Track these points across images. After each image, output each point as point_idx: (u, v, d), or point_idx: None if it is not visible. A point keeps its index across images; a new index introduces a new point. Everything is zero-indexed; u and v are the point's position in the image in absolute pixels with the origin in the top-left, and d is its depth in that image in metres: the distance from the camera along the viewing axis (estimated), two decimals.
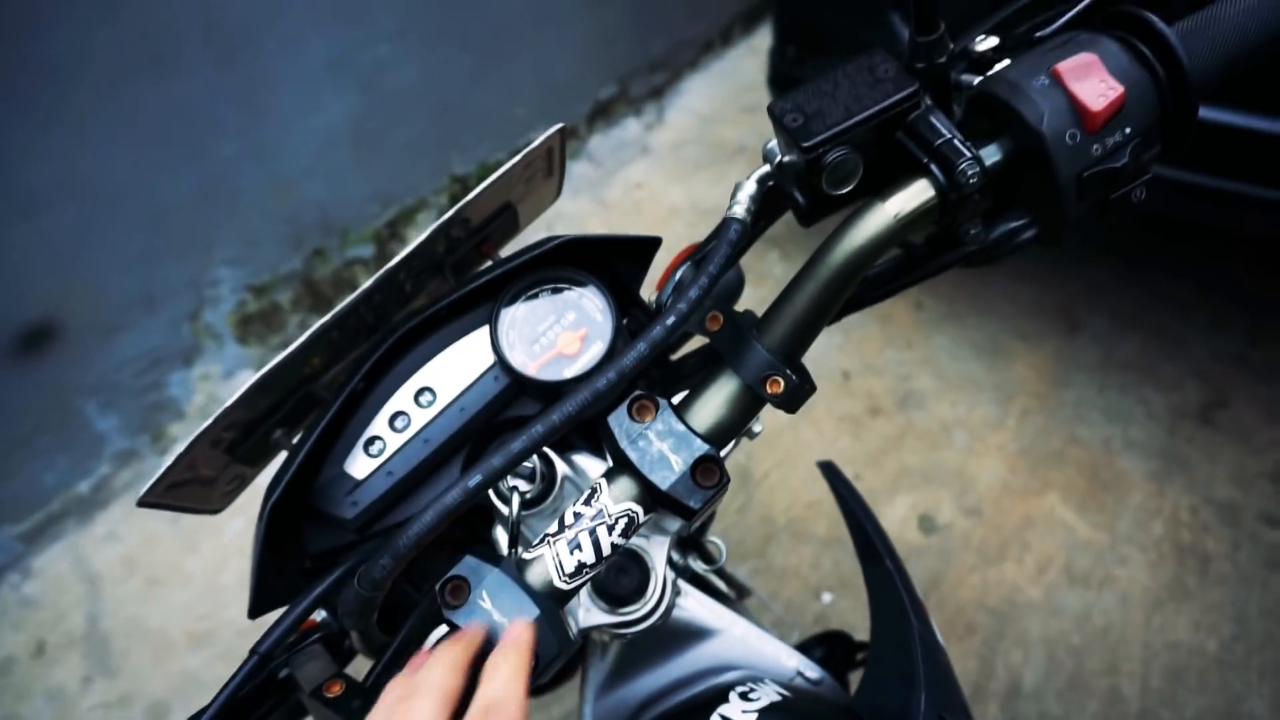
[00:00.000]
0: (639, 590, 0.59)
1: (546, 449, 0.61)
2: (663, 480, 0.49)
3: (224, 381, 2.34)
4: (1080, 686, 1.71)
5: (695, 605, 0.67)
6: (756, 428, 0.63)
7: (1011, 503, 1.96)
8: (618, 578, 0.59)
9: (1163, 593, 1.81)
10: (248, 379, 0.55)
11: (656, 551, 0.61)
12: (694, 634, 0.67)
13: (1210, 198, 1.69)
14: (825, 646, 0.85)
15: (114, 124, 1.87)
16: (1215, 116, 1.59)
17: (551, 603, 0.48)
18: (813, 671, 0.68)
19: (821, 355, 2.28)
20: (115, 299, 2.06)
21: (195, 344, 2.25)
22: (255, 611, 0.54)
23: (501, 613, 0.46)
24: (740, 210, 0.52)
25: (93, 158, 1.87)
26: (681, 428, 0.50)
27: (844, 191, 0.49)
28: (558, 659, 0.46)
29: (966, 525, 1.93)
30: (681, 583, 0.67)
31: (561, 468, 0.61)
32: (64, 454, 2.11)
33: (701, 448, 0.50)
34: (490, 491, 0.60)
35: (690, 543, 0.83)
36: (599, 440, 0.66)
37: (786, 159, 0.51)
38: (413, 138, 2.47)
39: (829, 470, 0.92)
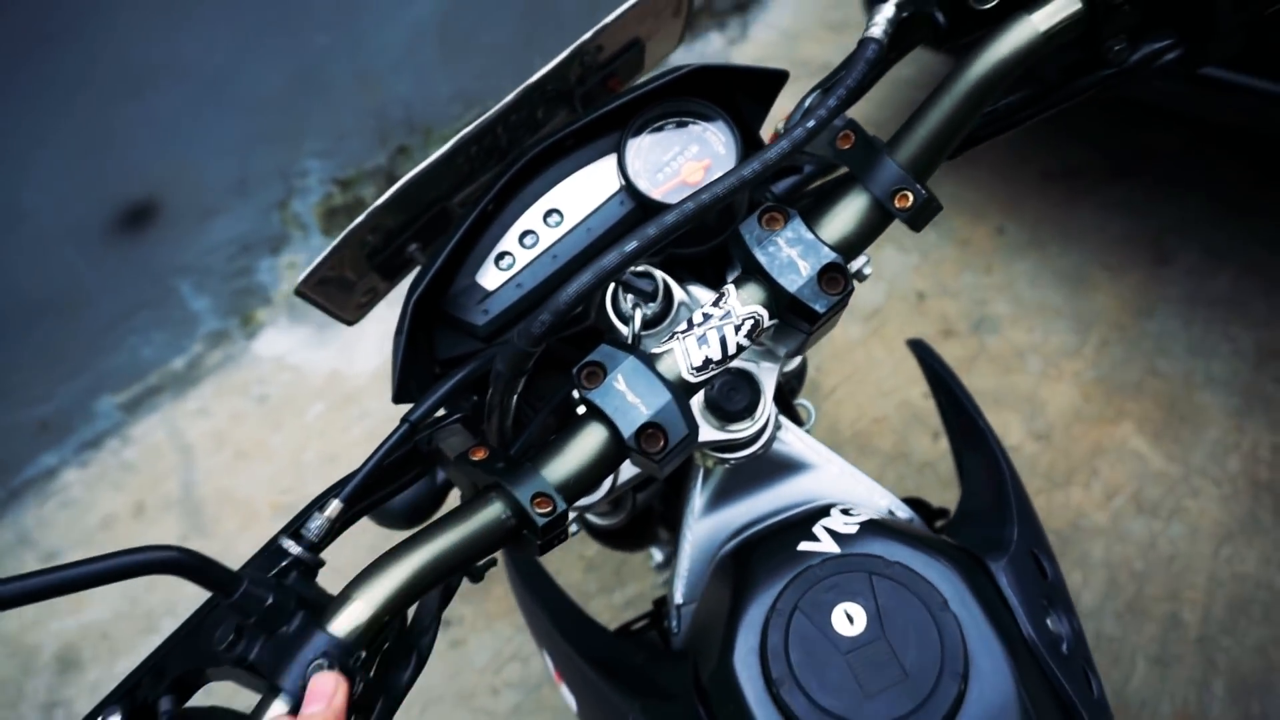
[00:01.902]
0: (749, 408, 0.62)
1: (666, 277, 0.63)
2: (790, 284, 0.51)
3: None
4: (1139, 610, 1.71)
5: (794, 440, 0.70)
6: (867, 269, 0.65)
7: (1083, 429, 1.95)
8: (730, 395, 0.62)
9: (1234, 526, 1.79)
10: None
11: (766, 376, 0.63)
12: (792, 466, 0.70)
13: None
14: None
15: (218, 6, 1.91)
16: None
17: (680, 392, 0.51)
18: (903, 512, 0.70)
19: (896, 276, 2.27)
20: (212, 182, 2.13)
21: (283, 233, 2.33)
22: (398, 398, 0.58)
23: (636, 395, 0.50)
24: (878, 31, 0.52)
25: (198, 41, 1.93)
26: (810, 236, 0.52)
27: (990, 6, 0.49)
28: (686, 441, 0.50)
29: (1034, 449, 1.93)
30: (783, 418, 0.70)
31: (678, 294, 0.64)
32: (161, 330, 2.22)
33: (829, 255, 0.52)
34: (611, 311, 0.63)
35: (781, 404, 0.86)
36: (712, 277, 0.69)
37: None
38: (498, 40, 2.47)
39: (919, 346, 0.93)
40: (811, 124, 0.48)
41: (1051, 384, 2.02)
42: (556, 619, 0.76)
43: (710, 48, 3.02)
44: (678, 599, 0.71)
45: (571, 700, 0.76)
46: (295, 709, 0.42)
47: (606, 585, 1.87)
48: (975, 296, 2.20)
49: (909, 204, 0.51)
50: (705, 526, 0.69)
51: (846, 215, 0.53)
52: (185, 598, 1.99)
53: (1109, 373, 2.02)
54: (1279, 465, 1.85)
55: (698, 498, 0.69)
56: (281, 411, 2.25)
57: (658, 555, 1.36)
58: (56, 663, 1.93)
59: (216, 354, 2.33)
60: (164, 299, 2.20)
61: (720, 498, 0.69)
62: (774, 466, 0.70)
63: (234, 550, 2.01)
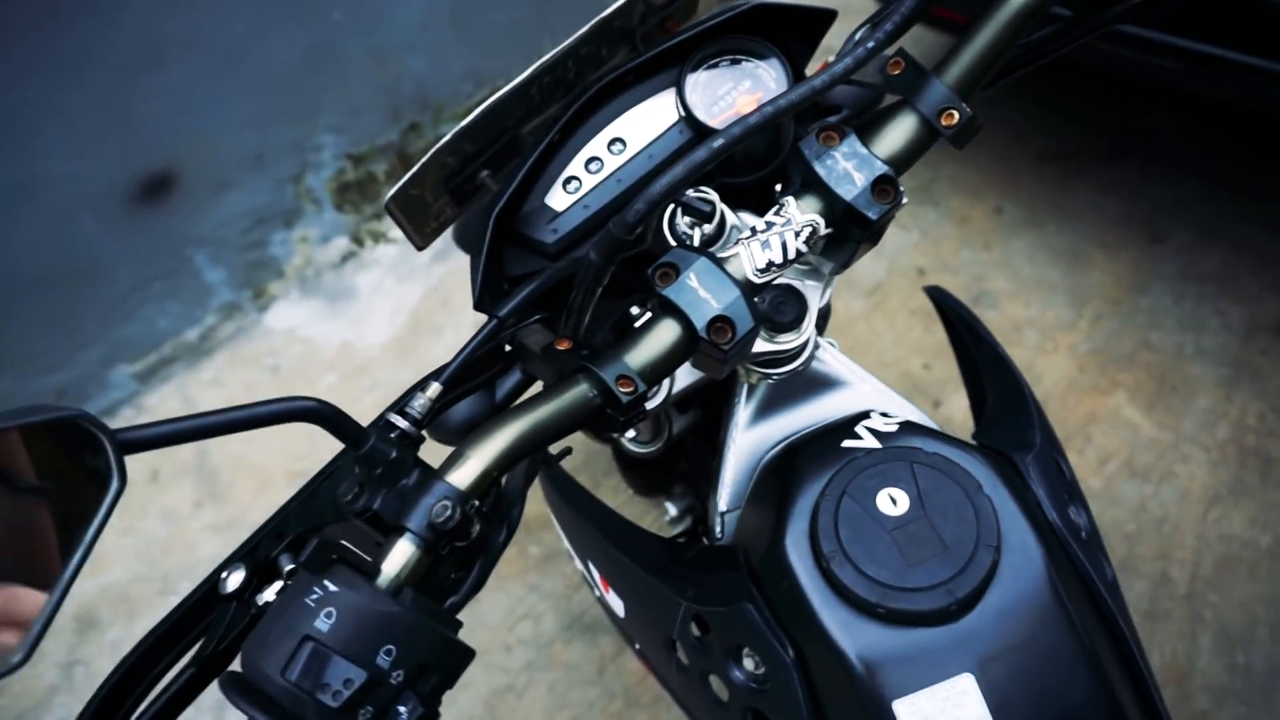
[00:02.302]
0: (796, 320, 0.68)
1: (720, 203, 0.69)
2: (846, 193, 0.57)
3: (321, 245, 2.46)
4: (1131, 569, 1.78)
5: (831, 360, 0.76)
6: (904, 199, 0.70)
7: (1078, 398, 2.02)
8: (780, 307, 0.67)
9: (1221, 489, 1.86)
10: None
11: (811, 293, 0.69)
12: (830, 383, 0.75)
13: None
14: None
15: None
16: None
17: (746, 290, 0.56)
18: (930, 424, 0.76)
19: (897, 252, 2.33)
20: (228, 155, 2.17)
21: (297, 207, 2.37)
22: (479, 307, 0.63)
23: (707, 291, 0.55)
24: None
25: (216, 15, 1.97)
26: (864, 151, 0.58)
27: None
28: (752, 334, 0.55)
29: None
30: (820, 339, 0.76)
31: (731, 217, 0.69)
32: (175, 301, 2.26)
33: (881, 168, 0.57)
34: (668, 232, 0.68)
35: None
36: (755, 207, 0.74)
37: None
38: (509, 19, 2.52)
39: (937, 291, 0.99)
40: (871, 44, 0.53)
41: (1048, 356, 2.08)
42: (604, 528, 0.81)
43: None
44: (722, 507, 0.76)
45: (619, 605, 0.82)
46: (420, 544, 0.47)
47: None
48: (974, 272, 2.27)
49: (954, 121, 0.57)
50: (749, 437, 0.75)
51: (897, 133, 0.58)
52: (200, 560, 2.03)
53: (1103, 345, 2.10)
54: (1265, 432, 1.93)
55: (742, 411, 0.74)
56: (294, 382, 2.29)
57: (672, 510, 1.42)
58: (75, 623, 1.97)
59: (229, 326, 2.37)
60: (179, 270, 2.24)
61: (763, 412, 0.75)
62: (813, 383, 0.75)
63: (249, 517, 2.05)
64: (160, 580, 2.03)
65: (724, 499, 0.76)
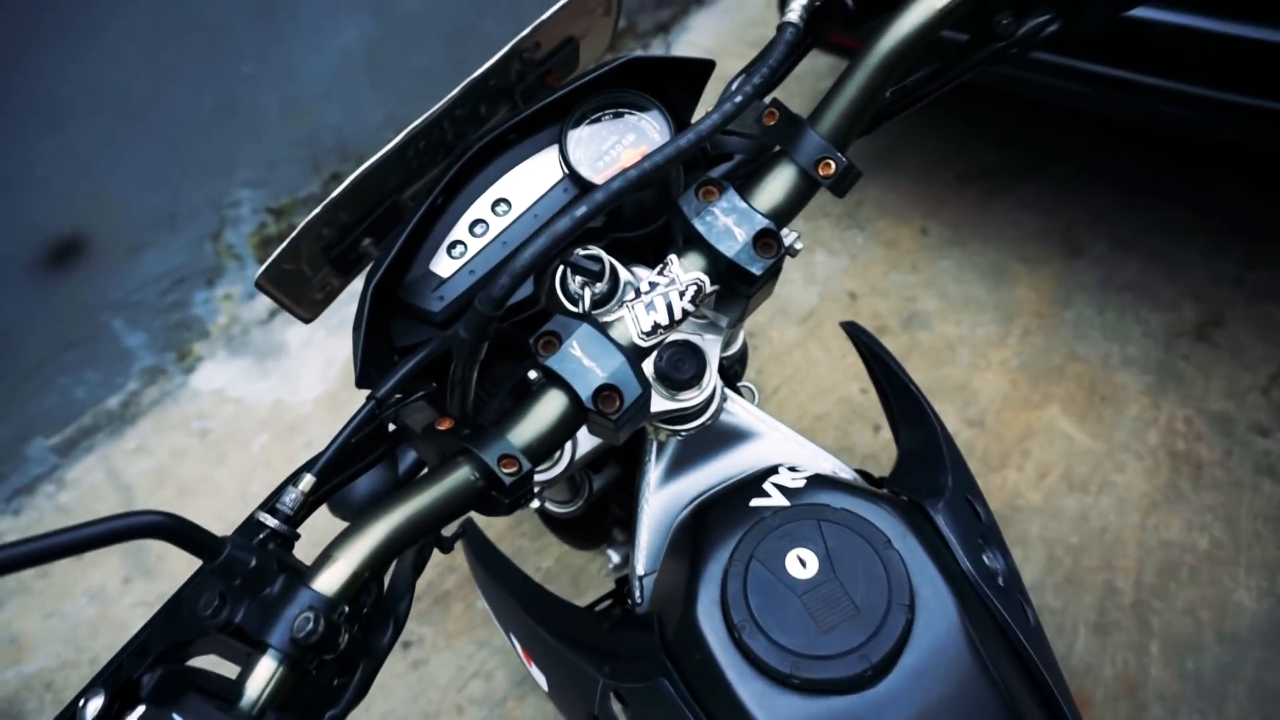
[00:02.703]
0: (696, 377, 0.66)
1: (610, 259, 0.67)
2: (728, 249, 0.55)
3: (246, 303, 2.39)
4: (1077, 581, 1.79)
5: (741, 410, 0.74)
6: (798, 244, 0.69)
7: (1013, 414, 2.04)
8: (678, 364, 0.65)
9: (1157, 496, 1.89)
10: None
11: (710, 346, 0.67)
12: (741, 435, 0.73)
13: (1211, 109, 1.74)
14: None
15: (136, 37, 1.90)
16: (1216, 27, 1.64)
17: (633, 355, 0.54)
18: (846, 473, 0.75)
19: (828, 278, 2.34)
20: (140, 216, 2.11)
21: (218, 264, 2.30)
22: (361, 383, 0.60)
23: (591, 359, 0.53)
24: (794, 15, 0.57)
25: (117, 71, 1.91)
26: (744, 205, 0.56)
27: None
28: (641, 401, 0.53)
29: (969, 435, 2.01)
30: (728, 390, 0.74)
31: (623, 274, 0.67)
32: (93, 369, 2.17)
33: (762, 222, 0.56)
34: (560, 293, 0.66)
35: (727, 386, 0.90)
36: (651, 260, 0.72)
37: None
38: (426, 64, 2.50)
39: (851, 327, 0.98)
40: (739, 99, 0.52)
41: (981, 373, 2.11)
42: (522, 599, 0.77)
43: None
44: (639, 570, 0.73)
45: (542, 679, 0.78)
46: (284, 661, 0.43)
47: (567, 596, 1.87)
48: (904, 294, 2.29)
49: (832, 171, 0.56)
50: (661, 498, 0.72)
51: (776, 185, 0.57)
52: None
53: (1032, 359, 2.12)
54: (1192, 436, 1.96)
55: (652, 471, 0.72)
56: (225, 445, 2.21)
57: (615, 557, 1.38)
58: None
59: (153, 390, 2.29)
60: (95, 337, 2.15)
61: (674, 469, 0.73)
62: (723, 436, 0.73)
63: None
64: (89, 664, 1.93)
65: (641, 562, 0.73)
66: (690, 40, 3.24)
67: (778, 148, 0.59)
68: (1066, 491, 1.91)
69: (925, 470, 0.70)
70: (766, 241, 0.56)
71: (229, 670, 0.49)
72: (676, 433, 0.70)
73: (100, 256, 2.07)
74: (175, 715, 0.40)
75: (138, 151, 2.02)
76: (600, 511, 1.05)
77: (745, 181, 0.59)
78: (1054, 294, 2.25)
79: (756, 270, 0.55)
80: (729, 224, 0.55)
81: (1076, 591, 1.78)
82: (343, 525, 0.53)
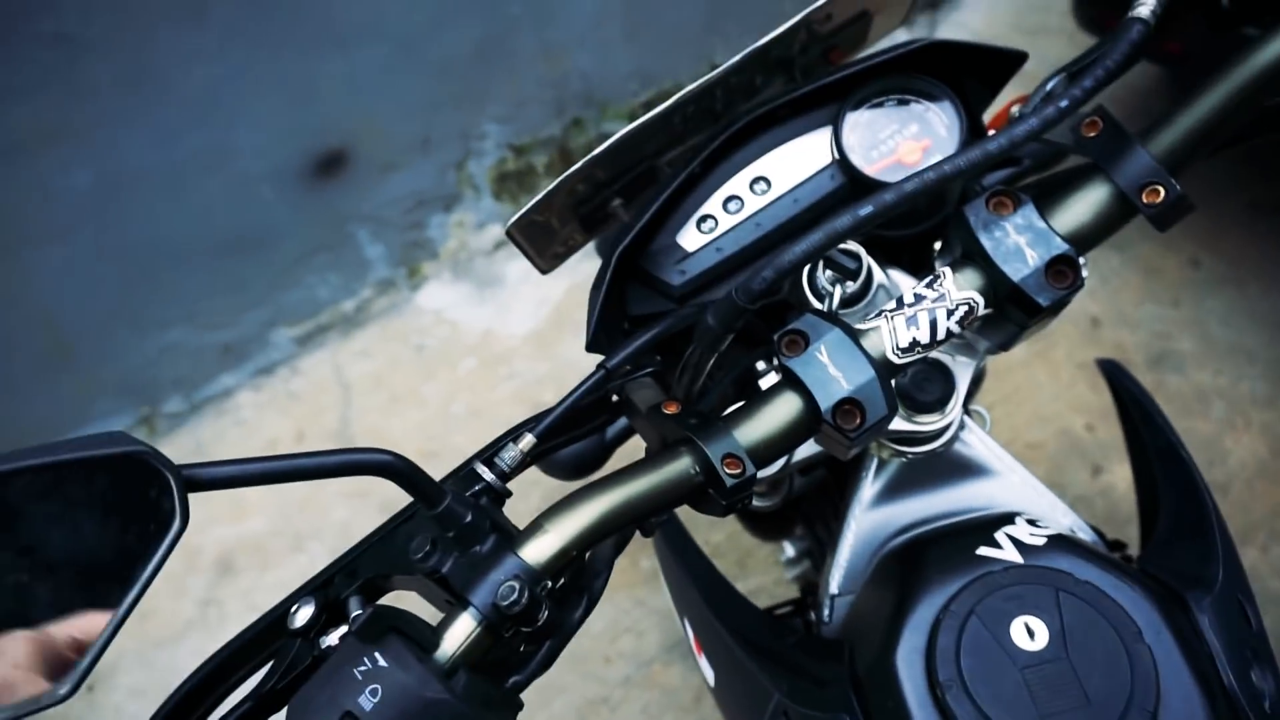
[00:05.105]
0: (941, 401, 0.60)
1: (869, 258, 0.61)
2: (1015, 272, 0.49)
3: (476, 231, 2.51)
4: None
5: (978, 443, 0.67)
6: (1085, 272, 0.61)
7: (1267, 486, 1.78)
8: (924, 385, 0.60)
9: None
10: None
11: (962, 370, 0.61)
12: (972, 470, 0.67)
13: None
14: None
15: None
16: None
17: (883, 370, 0.49)
18: (1086, 534, 0.66)
19: None
20: (398, 138, 2.25)
21: (456, 192, 2.42)
22: (591, 347, 0.59)
23: (837, 368, 0.48)
24: (1146, 11, 0.49)
25: (403, 3, 2.03)
26: (1042, 225, 0.49)
27: None
28: (886, 419, 0.48)
29: None
30: (967, 419, 0.67)
31: (879, 276, 0.62)
32: (336, 273, 2.36)
33: (1061, 246, 0.49)
34: (807, 286, 0.62)
35: None
36: (908, 264, 0.66)
37: None
38: (680, 20, 2.48)
39: (1110, 365, 0.87)
40: (1065, 104, 0.45)
41: (1236, 434, 1.85)
42: (705, 590, 0.75)
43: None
44: (833, 589, 0.69)
45: (710, 673, 0.76)
46: (482, 623, 0.43)
47: (730, 574, 1.86)
48: (1157, 329, 2.05)
49: (1159, 199, 0.48)
50: (872, 518, 0.67)
51: (1083, 206, 0.50)
52: (330, 525, 2.12)
53: None
54: None
55: (868, 488, 0.67)
56: (436, 362, 2.35)
57: (790, 550, 1.35)
58: (215, 566, 2.10)
59: (383, 301, 2.46)
60: (343, 244, 2.34)
61: (891, 491, 0.67)
62: (952, 467, 0.67)
63: (380, 490, 2.12)
64: (293, 537, 2.14)
65: (835, 581, 0.69)
66: (959, 21, 3.02)
67: (1091, 162, 0.51)
68: None
69: (1189, 553, 0.61)
70: (1061, 270, 0.49)
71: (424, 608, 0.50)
72: (903, 454, 0.64)
73: (358, 171, 2.23)
74: (377, 653, 0.41)
75: (406, 79, 2.15)
76: (792, 509, 1.01)
77: (1044, 194, 0.52)
78: None
79: (1044, 301, 0.48)
80: (1021, 243, 0.49)
81: None
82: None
